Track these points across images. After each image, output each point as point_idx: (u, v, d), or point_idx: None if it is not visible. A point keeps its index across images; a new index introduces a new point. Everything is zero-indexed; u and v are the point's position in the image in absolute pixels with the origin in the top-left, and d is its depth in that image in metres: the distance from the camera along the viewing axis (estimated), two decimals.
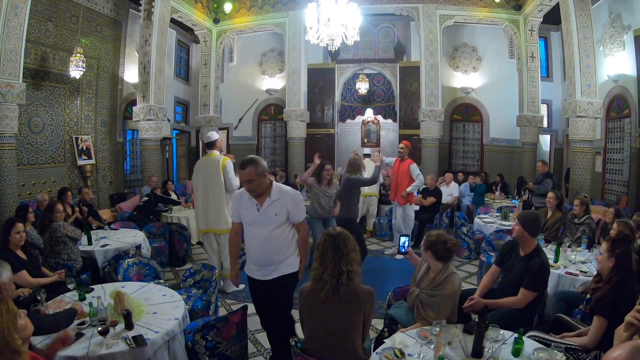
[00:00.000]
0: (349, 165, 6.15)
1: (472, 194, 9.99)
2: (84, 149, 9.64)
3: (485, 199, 9.97)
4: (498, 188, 10.45)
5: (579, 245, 5.27)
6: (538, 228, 3.59)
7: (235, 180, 5.42)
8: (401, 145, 7.29)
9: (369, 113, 14.40)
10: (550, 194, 6.13)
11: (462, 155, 13.32)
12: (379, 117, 14.33)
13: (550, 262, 4.12)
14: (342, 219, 5.88)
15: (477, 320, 2.66)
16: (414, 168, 7.04)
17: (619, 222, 4.30)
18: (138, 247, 5.62)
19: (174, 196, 9.02)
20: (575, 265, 4.59)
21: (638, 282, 2.97)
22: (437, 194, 8.34)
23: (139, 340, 2.78)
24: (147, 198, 8.20)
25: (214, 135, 5.65)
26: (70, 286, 3.84)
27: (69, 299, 3.56)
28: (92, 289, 3.78)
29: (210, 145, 5.54)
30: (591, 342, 2.77)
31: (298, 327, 3.24)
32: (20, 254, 3.83)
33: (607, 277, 2.97)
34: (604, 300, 2.82)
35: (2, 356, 1.87)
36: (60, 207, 4.99)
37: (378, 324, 4.31)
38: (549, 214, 5.99)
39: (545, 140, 13.48)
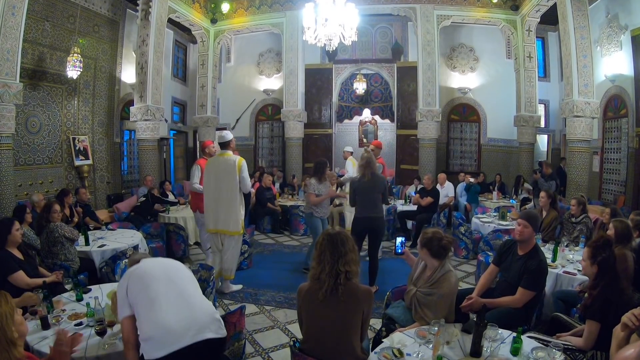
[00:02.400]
0: (369, 165, 5.63)
1: (468, 194, 10.01)
2: (81, 149, 9.62)
3: (483, 199, 9.98)
4: (496, 188, 10.46)
5: (576, 245, 5.28)
6: (539, 222, 3.60)
7: (249, 181, 5.45)
8: (371, 146, 7.14)
9: (366, 113, 14.42)
10: (542, 193, 6.13)
11: (460, 155, 13.34)
12: (377, 118, 14.35)
13: (548, 261, 4.14)
14: (372, 218, 5.56)
15: (475, 319, 2.66)
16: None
17: (614, 221, 4.28)
18: (135, 247, 5.59)
19: (171, 197, 9.00)
20: (573, 265, 4.60)
21: (634, 283, 2.98)
22: (435, 194, 8.33)
23: None
24: (144, 198, 8.17)
25: (229, 135, 5.59)
26: (68, 287, 3.83)
27: (66, 299, 3.55)
28: (90, 290, 3.77)
29: (225, 145, 5.53)
30: (586, 345, 2.77)
31: (296, 327, 3.23)
32: (17, 254, 3.81)
33: (592, 283, 2.96)
34: (593, 305, 2.81)
35: None
36: (57, 207, 4.97)
37: (376, 323, 4.31)
38: (544, 214, 6.00)
39: (542, 140, 13.53)
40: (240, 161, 5.36)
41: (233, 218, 5.41)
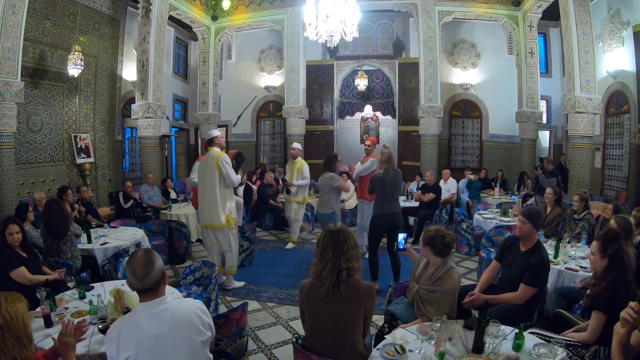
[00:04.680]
0: (390, 160, 5.60)
1: (469, 190, 9.99)
2: (83, 147, 9.63)
3: (485, 195, 9.96)
4: (497, 184, 10.44)
5: (578, 241, 5.28)
6: (541, 220, 3.59)
7: (234, 174, 5.46)
8: (368, 142, 7.01)
9: (368, 110, 14.38)
10: (548, 190, 6.13)
11: (462, 151, 13.31)
12: (378, 114, 14.32)
13: (550, 257, 4.12)
14: (394, 214, 5.55)
15: (477, 315, 2.66)
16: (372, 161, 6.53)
17: (615, 218, 4.29)
18: (137, 245, 5.62)
19: (173, 194, 9.02)
20: (575, 261, 4.59)
21: (636, 277, 2.97)
22: (437, 190, 8.33)
23: None
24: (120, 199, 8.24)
25: (214, 132, 5.73)
26: (70, 284, 3.83)
27: (69, 297, 3.56)
28: (92, 287, 3.77)
29: (210, 142, 5.59)
30: (591, 337, 2.77)
31: (299, 324, 3.24)
32: (20, 252, 3.82)
33: (601, 275, 2.96)
34: (600, 296, 2.82)
35: (19, 343, 2.03)
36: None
37: (378, 320, 4.32)
38: (548, 209, 6.00)
39: (544, 137, 13.49)
40: (219, 155, 5.41)
41: (215, 211, 5.48)
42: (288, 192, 7.72)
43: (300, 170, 7.59)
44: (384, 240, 5.73)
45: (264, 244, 8.07)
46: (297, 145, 7.93)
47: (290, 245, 7.80)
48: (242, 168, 6.32)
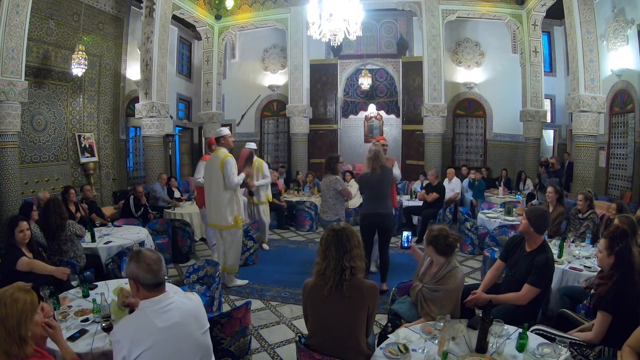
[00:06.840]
0: (378, 158, 5.38)
1: (472, 189, 9.97)
2: (87, 146, 9.67)
3: (489, 194, 9.94)
4: (502, 183, 10.41)
5: (582, 241, 5.25)
6: (544, 226, 3.52)
7: (235, 177, 5.41)
8: (382, 141, 6.78)
9: (371, 109, 14.37)
10: (550, 189, 6.10)
11: (465, 150, 13.27)
12: (382, 113, 14.30)
13: (554, 257, 4.11)
14: (381, 214, 5.36)
15: (481, 315, 2.65)
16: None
17: (619, 217, 4.26)
18: (141, 243, 5.62)
19: (177, 193, 9.03)
20: (579, 261, 4.57)
21: None
22: (440, 189, 8.30)
23: None
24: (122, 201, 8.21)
25: (224, 130, 5.68)
26: (74, 283, 3.84)
27: (72, 295, 3.57)
28: (96, 286, 3.78)
29: (218, 140, 5.56)
30: (596, 337, 2.76)
31: (302, 323, 3.23)
32: (26, 251, 3.83)
33: (608, 274, 2.95)
34: (607, 296, 2.80)
35: (10, 339, 2.01)
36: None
37: (382, 319, 4.31)
38: (550, 209, 5.97)
39: (548, 136, 13.44)
40: (224, 157, 5.39)
41: (221, 213, 5.48)
42: (251, 194, 7.44)
43: (260, 170, 7.47)
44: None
45: (268, 243, 8.06)
46: (251, 145, 7.54)
47: (265, 247, 7.70)
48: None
